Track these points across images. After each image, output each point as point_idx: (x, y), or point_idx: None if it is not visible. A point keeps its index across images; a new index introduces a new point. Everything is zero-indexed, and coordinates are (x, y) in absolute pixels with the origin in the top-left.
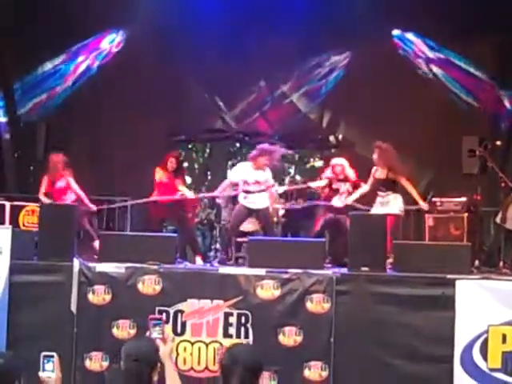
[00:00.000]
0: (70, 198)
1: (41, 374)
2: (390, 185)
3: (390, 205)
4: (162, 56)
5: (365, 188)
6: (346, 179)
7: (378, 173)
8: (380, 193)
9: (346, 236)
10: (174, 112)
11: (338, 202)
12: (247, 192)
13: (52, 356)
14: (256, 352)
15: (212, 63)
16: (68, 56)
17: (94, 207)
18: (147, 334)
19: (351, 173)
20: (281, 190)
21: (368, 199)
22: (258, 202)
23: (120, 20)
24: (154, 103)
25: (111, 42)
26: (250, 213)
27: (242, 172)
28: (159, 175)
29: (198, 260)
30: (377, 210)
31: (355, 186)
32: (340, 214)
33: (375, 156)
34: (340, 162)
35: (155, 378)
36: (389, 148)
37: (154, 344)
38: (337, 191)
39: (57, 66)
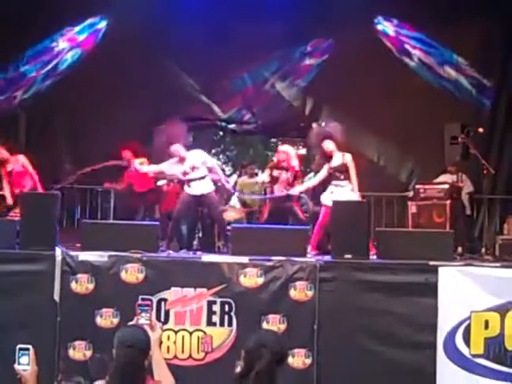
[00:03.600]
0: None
1: (16, 366)
2: (346, 171)
3: (346, 193)
4: (143, 44)
5: (316, 179)
6: (287, 168)
7: (334, 161)
8: (339, 182)
9: (300, 222)
10: (156, 100)
11: (280, 191)
12: (189, 181)
13: (27, 349)
14: (283, 341)
15: (195, 51)
16: (48, 44)
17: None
18: (133, 321)
19: (295, 163)
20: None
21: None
22: (198, 187)
23: (102, 7)
24: (136, 91)
25: (92, 29)
26: (195, 199)
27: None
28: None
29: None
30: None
31: (295, 177)
32: (283, 203)
33: (331, 146)
34: (285, 149)
35: (146, 364)
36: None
37: (146, 331)
38: (276, 180)
39: (36, 55)
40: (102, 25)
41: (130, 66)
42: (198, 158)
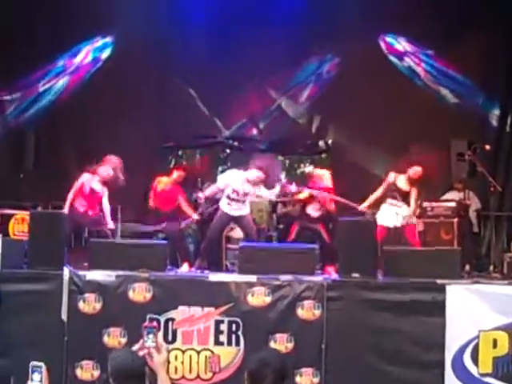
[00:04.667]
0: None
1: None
2: (405, 198)
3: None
4: (149, 63)
5: (378, 193)
6: (326, 190)
7: (402, 182)
8: (392, 201)
9: (324, 244)
10: (163, 118)
11: (314, 211)
12: (233, 200)
13: (40, 366)
14: (285, 357)
15: (201, 69)
16: (55, 65)
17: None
18: (139, 343)
19: (330, 185)
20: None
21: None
22: (242, 209)
23: (107, 26)
24: (143, 110)
25: (98, 49)
26: (232, 220)
27: (232, 179)
28: (162, 185)
29: (185, 266)
30: (392, 219)
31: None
32: (314, 223)
33: (418, 173)
34: (322, 173)
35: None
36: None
37: (139, 357)
38: (315, 199)
39: (45, 76)
40: (108, 42)
41: (136, 83)
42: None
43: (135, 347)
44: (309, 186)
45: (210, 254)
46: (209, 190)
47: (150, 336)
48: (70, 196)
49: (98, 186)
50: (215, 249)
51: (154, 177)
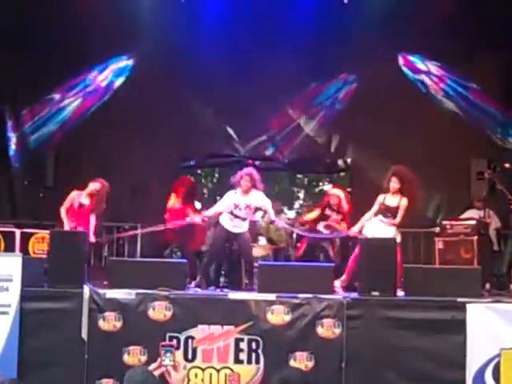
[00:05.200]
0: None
1: None
2: (396, 213)
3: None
4: (170, 82)
5: (369, 215)
6: (338, 210)
7: (390, 200)
8: (383, 218)
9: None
10: (183, 137)
11: (323, 228)
12: (236, 216)
13: None
14: (306, 376)
15: (220, 88)
16: (74, 84)
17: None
18: (157, 362)
19: (346, 206)
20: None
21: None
22: (242, 226)
23: (127, 46)
24: (163, 129)
25: (118, 69)
26: (230, 236)
27: (230, 200)
28: (172, 202)
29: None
30: (380, 233)
31: (343, 219)
32: (323, 241)
33: (396, 185)
34: (337, 193)
35: None
36: (415, 179)
37: (155, 376)
38: (326, 217)
39: (65, 95)
40: (127, 62)
41: (155, 102)
42: (257, 200)
43: (152, 366)
44: (322, 204)
45: (208, 271)
46: (210, 211)
47: (168, 355)
48: (63, 214)
49: (86, 201)
50: (236, 267)
51: None
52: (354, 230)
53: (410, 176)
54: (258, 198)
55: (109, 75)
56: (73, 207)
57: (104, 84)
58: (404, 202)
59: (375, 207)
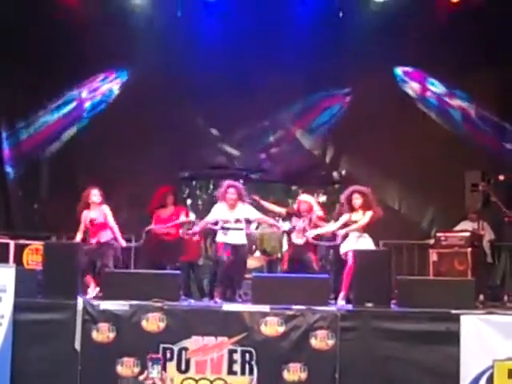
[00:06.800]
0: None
1: None
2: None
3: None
4: (167, 94)
5: (332, 227)
6: (307, 218)
7: (355, 216)
8: (356, 232)
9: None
10: (178, 149)
11: (297, 239)
12: (228, 229)
13: None
14: None
15: (216, 100)
16: (70, 96)
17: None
18: (144, 374)
19: (319, 212)
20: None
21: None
22: (237, 238)
23: (124, 58)
24: (158, 141)
25: (113, 82)
26: (230, 248)
27: (218, 213)
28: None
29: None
30: (355, 245)
31: (316, 226)
32: (303, 253)
33: (358, 201)
34: (307, 199)
35: None
36: (370, 193)
37: None
38: (293, 228)
39: (60, 106)
40: (122, 74)
41: (151, 114)
42: (245, 213)
43: (141, 377)
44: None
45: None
46: (200, 225)
47: (155, 367)
48: (79, 238)
49: (94, 214)
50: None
51: None
52: (314, 233)
53: (367, 190)
54: (246, 210)
55: (105, 87)
56: (86, 226)
57: (100, 96)
58: (369, 213)
59: (340, 222)
